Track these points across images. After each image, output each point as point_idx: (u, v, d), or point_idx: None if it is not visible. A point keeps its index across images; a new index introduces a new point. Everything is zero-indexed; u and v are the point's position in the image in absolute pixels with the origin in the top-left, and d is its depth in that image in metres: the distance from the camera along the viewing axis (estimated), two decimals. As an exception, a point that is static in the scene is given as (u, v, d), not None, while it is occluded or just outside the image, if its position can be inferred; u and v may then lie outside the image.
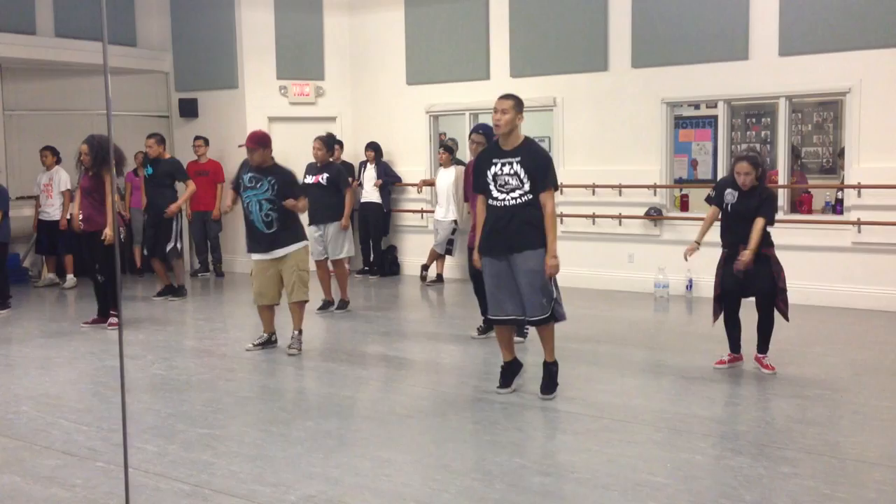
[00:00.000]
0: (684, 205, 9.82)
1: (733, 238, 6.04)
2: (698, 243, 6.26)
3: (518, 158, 5.31)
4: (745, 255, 5.85)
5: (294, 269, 6.75)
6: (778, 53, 8.72)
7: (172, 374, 6.42)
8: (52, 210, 10.55)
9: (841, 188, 8.92)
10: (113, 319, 7.92)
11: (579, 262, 9.82)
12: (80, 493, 4.14)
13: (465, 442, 4.81)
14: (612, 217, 9.75)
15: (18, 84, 11.45)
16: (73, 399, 5.83)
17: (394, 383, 6.18)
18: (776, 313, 6.08)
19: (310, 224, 8.39)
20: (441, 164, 10.60)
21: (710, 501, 3.91)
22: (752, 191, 5.99)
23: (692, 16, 9.15)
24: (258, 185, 6.73)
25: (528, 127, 11.69)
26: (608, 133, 9.78)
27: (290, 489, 4.12)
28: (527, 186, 5.29)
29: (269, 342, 7.06)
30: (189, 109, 11.91)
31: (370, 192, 11.10)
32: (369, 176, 11.13)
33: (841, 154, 9.55)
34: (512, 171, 5.31)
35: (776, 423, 5.04)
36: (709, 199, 6.31)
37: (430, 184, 10.94)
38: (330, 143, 8.91)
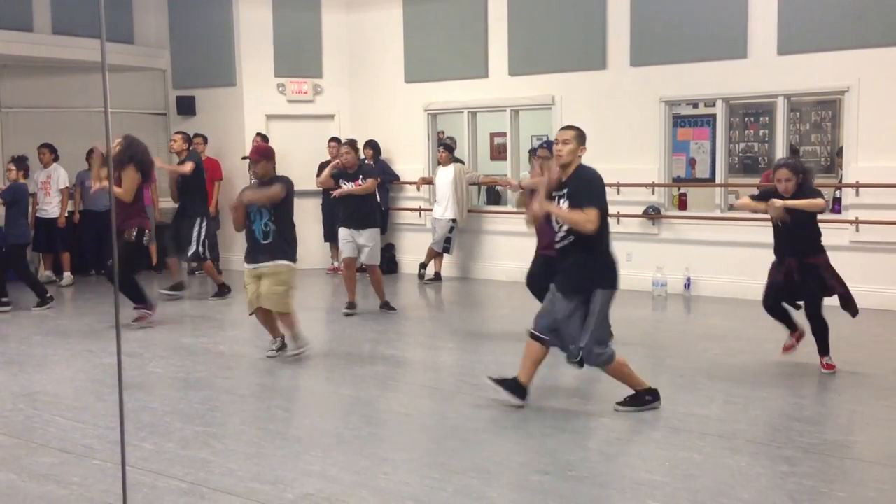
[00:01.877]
0: (682, 203, 9.81)
1: (787, 249, 6.01)
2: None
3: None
4: (778, 203, 5.77)
5: (273, 281, 6.48)
6: (776, 52, 8.71)
7: (170, 372, 6.41)
8: (50, 207, 10.52)
9: (839, 187, 8.92)
10: (138, 313, 7.94)
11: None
12: (77, 491, 4.13)
13: (463, 440, 4.80)
14: (610, 215, 9.72)
15: (16, 81, 11.42)
16: (70, 397, 5.81)
17: (392, 382, 6.17)
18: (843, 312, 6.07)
19: (342, 226, 8.45)
20: (440, 163, 10.60)
21: (708, 500, 3.91)
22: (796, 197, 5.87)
23: (691, 14, 9.14)
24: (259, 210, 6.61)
25: (526, 125, 11.77)
26: (606, 132, 9.75)
27: (287, 487, 4.11)
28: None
29: (283, 347, 6.78)
30: (187, 107, 11.89)
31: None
32: (367, 174, 11.10)
33: (839, 153, 9.55)
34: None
35: (774, 422, 5.03)
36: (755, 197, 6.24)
37: (429, 182, 10.93)
38: (356, 146, 8.79)
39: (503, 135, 11.24)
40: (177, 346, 7.27)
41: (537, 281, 6.85)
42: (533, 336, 5.21)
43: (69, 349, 7.16)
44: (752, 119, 11.41)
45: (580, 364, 5.09)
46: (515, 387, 5.27)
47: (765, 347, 6.75)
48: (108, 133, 2.88)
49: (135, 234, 7.86)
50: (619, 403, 5.21)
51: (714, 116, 9.62)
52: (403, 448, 4.72)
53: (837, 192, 8.92)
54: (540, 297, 6.97)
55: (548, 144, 6.92)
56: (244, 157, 6.64)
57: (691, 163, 11.79)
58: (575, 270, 5.07)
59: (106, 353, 6.93)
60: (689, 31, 9.14)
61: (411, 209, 11.32)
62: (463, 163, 10.87)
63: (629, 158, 9.61)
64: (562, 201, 5.11)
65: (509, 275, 10.50)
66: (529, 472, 4.28)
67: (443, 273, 10.74)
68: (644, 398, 5.20)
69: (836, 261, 8.44)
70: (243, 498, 4.00)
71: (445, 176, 10.44)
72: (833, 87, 8.63)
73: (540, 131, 12.44)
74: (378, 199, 8.54)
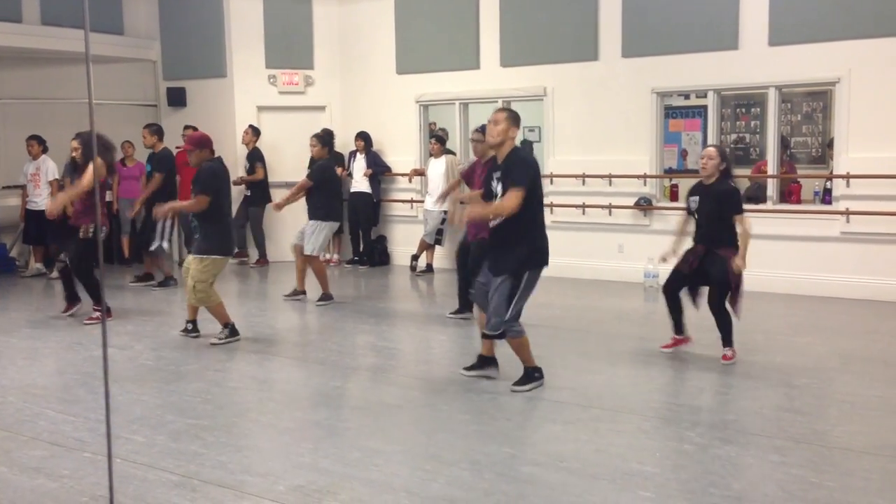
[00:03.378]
0: (674, 195, 9.82)
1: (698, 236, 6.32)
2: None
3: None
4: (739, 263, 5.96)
5: (192, 274, 6.79)
6: (768, 43, 8.72)
7: (161, 365, 6.39)
8: (40, 200, 10.45)
9: (830, 178, 8.94)
10: (95, 314, 7.77)
11: (569, 252, 9.82)
12: (68, 484, 4.12)
13: (454, 431, 4.81)
14: (601, 207, 9.75)
15: (4, 72, 11.35)
16: (60, 389, 5.80)
17: (383, 373, 6.17)
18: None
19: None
20: (432, 154, 10.58)
21: (698, 490, 3.92)
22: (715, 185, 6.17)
23: (682, 6, 9.13)
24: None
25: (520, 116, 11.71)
26: (598, 123, 9.77)
27: (278, 479, 4.11)
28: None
29: (192, 330, 7.16)
30: (177, 98, 11.84)
31: (360, 182, 11.07)
32: (359, 166, 11.09)
33: (830, 144, 9.57)
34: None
35: (764, 412, 5.05)
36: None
37: (421, 173, 10.91)
38: (326, 139, 8.93)
39: (495, 126, 11.19)
40: (168, 338, 7.25)
41: (464, 257, 7.37)
42: (486, 336, 5.57)
43: (59, 342, 7.14)
44: (743, 110, 11.42)
45: (501, 336, 5.38)
46: (485, 362, 5.80)
47: (755, 339, 6.77)
48: (93, 124, 2.86)
49: (91, 230, 7.59)
50: (515, 384, 5.52)
51: (705, 108, 9.63)
52: (395, 440, 4.72)
53: (828, 183, 8.94)
54: (464, 268, 7.42)
55: (482, 129, 7.05)
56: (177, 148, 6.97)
57: (683, 154, 11.81)
58: (506, 254, 5.28)
59: (96, 345, 6.90)
60: (681, 23, 9.14)
61: (403, 201, 11.30)
62: (455, 154, 10.85)
63: (621, 150, 9.62)
64: (496, 182, 5.31)
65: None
66: (521, 464, 4.28)
67: (434, 265, 10.73)
68: (534, 375, 5.56)
69: (827, 251, 8.54)
70: (234, 490, 4.00)
71: (437, 168, 10.42)
72: (824, 77, 8.64)
73: (532, 122, 12.42)
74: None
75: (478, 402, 5.34)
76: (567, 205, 9.94)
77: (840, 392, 5.48)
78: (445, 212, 10.43)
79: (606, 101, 9.68)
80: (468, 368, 5.88)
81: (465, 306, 7.66)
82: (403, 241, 11.27)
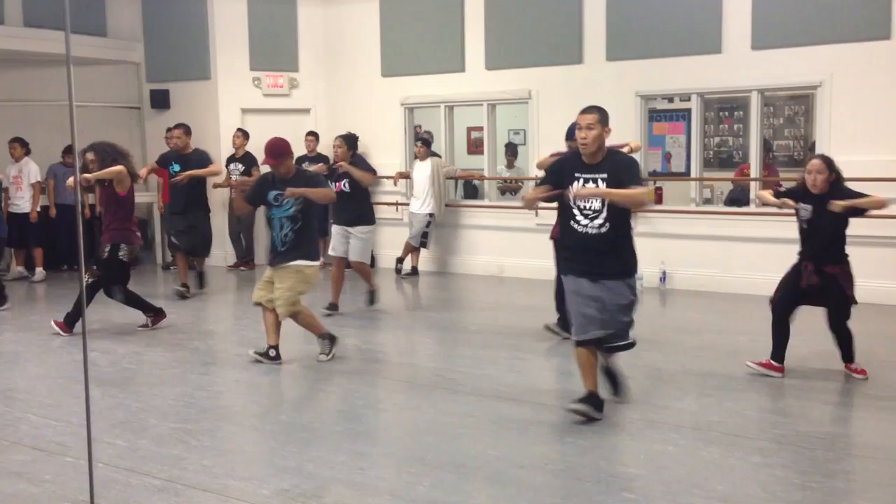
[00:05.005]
0: (658, 197, 9.85)
1: (809, 253, 5.80)
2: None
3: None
4: (839, 204, 5.53)
5: (286, 282, 6.18)
6: (750, 47, 8.77)
7: (143, 369, 6.36)
8: (22, 202, 10.38)
9: (812, 181, 8.99)
10: (145, 320, 7.54)
11: (553, 255, 9.83)
12: (50, 489, 4.09)
13: (439, 434, 4.81)
14: (586, 210, 9.77)
15: (-14, 74, 11.27)
16: (42, 394, 5.75)
17: (368, 376, 6.15)
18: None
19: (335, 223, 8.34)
20: (417, 157, 10.58)
21: (682, 491, 3.94)
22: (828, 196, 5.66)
23: (666, 9, 9.18)
24: (284, 203, 6.22)
25: (503, 119, 11.77)
26: (583, 126, 9.78)
27: (263, 483, 4.09)
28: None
29: (267, 355, 6.34)
30: (161, 101, 11.78)
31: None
32: (344, 168, 11.06)
33: (812, 147, 9.63)
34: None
35: (748, 414, 5.08)
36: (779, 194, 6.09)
37: (406, 176, 10.90)
38: (351, 141, 8.50)
39: (480, 129, 11.23)
40: (152, 342, 7.20)
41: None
42: (580, 343, 4.93)
43: (42, 346, 7.08)
44: (726, 113, 11.49)
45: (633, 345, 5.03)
46: (594, 400, 4.95)
47: (738, 340, 6.81)
48: (73, 127, 2.84)
49: (108, 250, 7.23)
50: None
51: (689, 111, 9.67)
52: (380, 443, 4.72)
53: (810, 186, 8.99)
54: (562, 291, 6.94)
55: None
56: (262, 163, 6.58)
57: (667, 157, 11.86)
58: (624, 255, 4.89)
59: (79, 349, 6.86)
60: (665, 27, 9.18)
61: (388, 203, 11.29)
62: (440, 157, 10.86)
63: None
64: (595, 185, 4.80)
65: (486, 269, 10.52)
66: (506, 466, 4.28)
67: (420, 267, 10.72)
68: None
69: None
70: (218, 494, 3.98)
71: (423, 170, 10.42)
72: (806, 81, 8.70)
73: (517, 125, 12.46)
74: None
75: (463, 404, 5.34)
76: (552, 207, 9.91)
77: (822, 393, 5.51)
78: (431, 214, 10.45)
79: (591, 104, 9.67)
80: (578, 402, 4.94)
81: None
82: (388, 243, 11.25)
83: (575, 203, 4.86)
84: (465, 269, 10.72)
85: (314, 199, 6.29)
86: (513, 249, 10.28)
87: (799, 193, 5.84)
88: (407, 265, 10.70)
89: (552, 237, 6.77)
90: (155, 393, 5.68)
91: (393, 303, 9.34)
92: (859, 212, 5.63)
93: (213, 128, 11.41)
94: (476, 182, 11.59)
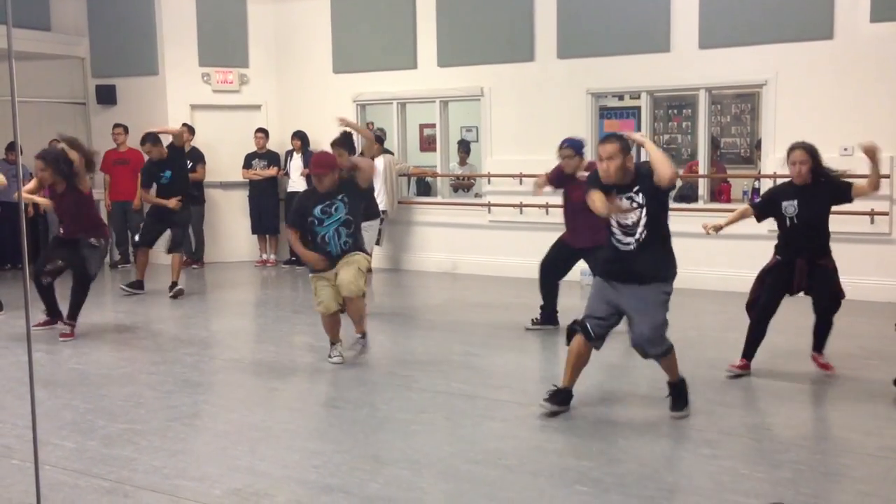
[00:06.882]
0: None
1: (797, 249, 5.65)
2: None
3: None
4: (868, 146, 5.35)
5: (353, 265, 6.07)
6: (698, 46, 8.92)
7: (91, 369, 6.24)
8: (-38, 200, 10.10)
9: (758, 178, 9.19)
10: (66, 329, 7.22)
11: (507, 251, 9.89)
12: (-6, 493, 3.99)
13: (393, 431, 4.80)
14: (539, 206, 9.83)
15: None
16: (-14, 396, 5.61)
17: (321, 374, 6.12)
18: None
19: None
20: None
21: (633, 484, 3.99)
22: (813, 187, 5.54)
23: (616, 8, 9.28)
24: (334, 212, 6.07)
25: (456, 116, 11.78)
26: (535, 123, 9.85)
27: (215, 483, 4.05)
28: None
29: (340, 355, 6.32)
30: (107, 96, 11.55)
31: (297, 182, 10.95)
32: (296, 165, 10.99)
33: (758, 145, 9.83)
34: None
35: (696, 406, 5.16)
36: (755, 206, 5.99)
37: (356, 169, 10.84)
38: (348, 144, 8.22)
39: (432, 126, 11.24)
40: (100, 341, 7.07)
41: (556, 269, 7.15)
42: (649, 356, 5.01)
43: (-16, 347, 6.90)
44: (675, 111, 11.67)
45: (667, 353, 4.99)
46: (562, 396, 5.04)
47: (688, 335, 6.91)
48: (16, 123, 2.77)
49: (91, 240, 7.16)
50: (674, 409, 5.00)
51: (639, 108, 9.80)
52: (333, 440, 4.70)
53: (756, 183, 9.18)
54: (548, 284, 7.18)
55: (570, 143, 6.96)
56: (304, 173, 6.40)
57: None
58: (659, 257, 4.84)
59: (24, 349, 6.68)
60: (615, 25, 9.28)
61: (340, 201, 11.23)
62: (393, 154, 10.84)
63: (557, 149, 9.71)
64: (631, 202, 4.78)
65: (440, 266, 10.53)
66: (460, 462, 4.30)
67: (373, 265, 10.68)
68: (685, 391, 5.11)
69: (755, 249, 8.73)
70: (169, 495, 3.93)
71: (376, 167, 10.38)
72: (752, 80, 8.88)
73: (469, 122, 12.49)
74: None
75: (417, 401, 5.34)
76: (504, 204, 10.00)
77: (769, 386, 5.63)
78: (384, 211, 10.42)
79: (542, 102, 9.78)
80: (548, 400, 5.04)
81: (551, 318, 7.28)
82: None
83: (614, 218, 4.84)
84: (418, 265, 10.72)
85: (363, 170, 6.21)
86: (466, 246, 10.31)
87: (780, 192, 5.77)
88: (360, 262, 10.65)
89: (563, 239, 7.18)
90: (103, 393, 5.58)
91: (346, 300, 9.30)
92: (846, 195, 5.52)
93: (161, 124, 11.20)
94: (429, 179, 11.60)
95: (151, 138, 9.06)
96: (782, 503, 1.50)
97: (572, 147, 6.94)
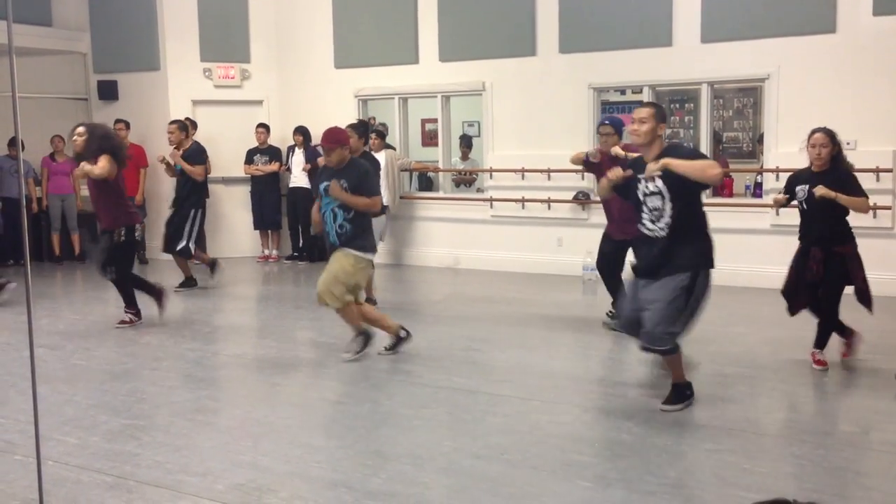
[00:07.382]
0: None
1: (813, 237, 5.64)
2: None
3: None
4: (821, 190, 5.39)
5: (334, 268, 5.92)
6: (700, 40, 8.90)
7: (93, 364, 6.25)
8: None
9: (760, 172, 9.17)
10: (126, 318, 7.36)
11: (509, 247, 9.90)
12: (-3, 489, 4.00)
13: (396, 426, 4.81)
14: (541, 201, 9.83)
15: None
16: (-11, 391, 5.62)
17: (323, 369, 6.12)
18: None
19: None
20: (372, 149, 10.52)
21: (635, 478, 3.99)
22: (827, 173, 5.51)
23: (618, 2, 9.26)
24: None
25: (457, 111, 11.78)
26: (536, 117, 9.85)
27: (217, 478, 4.05)
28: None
29: (365, 344, 6.21)
30: (108, 92, 11.55)
31: (298, 177, 10.96)
32: (297, 161, 10.99)
33: (760, 139, 9.81)
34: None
35: (699, 401, 5.15)
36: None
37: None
38: (361, 130, 8.15)
39: (434, 121, 11.23)
40: (102, 337, 7.08)
41: (609, 264, 6.91)
42: (649, 350, 4.95)
43: (-13, 342, 6.92)
44: (677, 105, 11.63)
45: (672, 351, 4.90)
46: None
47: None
48: (17, 119, 2.77)
49: (124, 233, 7.13)
50: (665, 402, 4.98)
51: (641, 103, 9.76)
52: (336, 436, 4.70)
53: (759, 177, 9.17)
54: (610, 279, 6.93)
55: (610, 120, 6.84)
56: (315, 146, 6.26)
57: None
58: (682, 248, 4.73)
59: (27, 345, 6.69)
60: (616, 19, 9.27)
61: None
62: (394, 149, 10.83)
63: (559, 144, 9.69)
64: (648, 183, 4.74)
65: (442, 261, 10.53)
66: (462, 457, 4.30)
67: (375, 260, 10.67)
68: (685, 393, 5.06)
69: (758, 243, 8.75)
70: (172, 490, 3.93)
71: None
72: (754, 74, 8.86)
73: (471, 117, 12.47)
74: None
75: (419, 396, 5.34)
76: (506, 199, 10.00)
77: (771, 381, 5.63)
78: (386, 207, 10.41)
79: (544, 96, 9.76)
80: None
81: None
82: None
83: (639, 198, 4.81)
84: (420, 261, 10.72)
85: (354, 207, 5.89)
86: (468, 241, 10.31)
87: (796, 176, 5.76)
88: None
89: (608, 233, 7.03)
90: (106, 389, 5.58)
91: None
92: (838, 205, 5.49)
93: (163, 119, 11.18)
94: (431, 174, 11.59)
95: (179, 123, 9.28)
96: (785, 499, 1.49)
97: (612, 124, 6.79)
